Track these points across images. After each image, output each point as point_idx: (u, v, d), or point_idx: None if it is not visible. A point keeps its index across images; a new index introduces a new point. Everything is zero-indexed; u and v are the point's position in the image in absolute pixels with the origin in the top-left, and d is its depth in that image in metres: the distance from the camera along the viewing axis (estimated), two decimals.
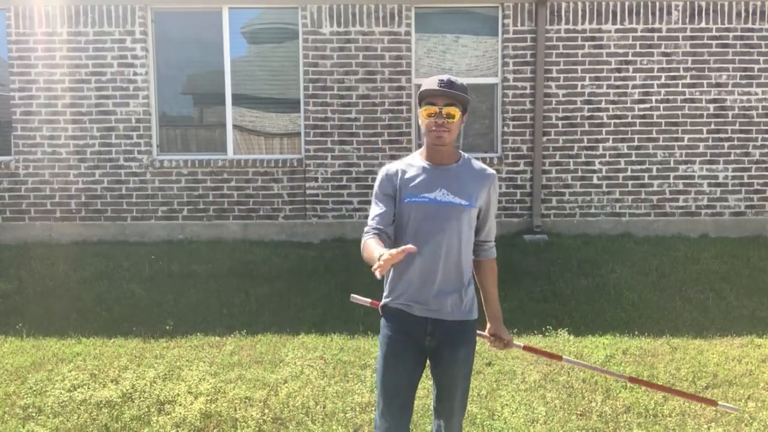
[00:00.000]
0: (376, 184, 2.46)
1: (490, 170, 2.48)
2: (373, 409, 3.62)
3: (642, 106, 7.74)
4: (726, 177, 7.84)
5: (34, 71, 7.70)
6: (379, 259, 1.97)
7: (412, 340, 2.41)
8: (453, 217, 2.35)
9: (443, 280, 2.37)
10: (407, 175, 2.41)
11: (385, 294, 2.47)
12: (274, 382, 4.01)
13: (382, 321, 2.49)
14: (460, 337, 2.42)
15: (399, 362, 2.41)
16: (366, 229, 2.37)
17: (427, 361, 2.48)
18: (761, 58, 7.68)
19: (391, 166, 2.47)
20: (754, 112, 7.75)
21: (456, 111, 2.33)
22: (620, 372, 4.11)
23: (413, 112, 7.76)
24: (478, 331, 2.52)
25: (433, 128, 2.34)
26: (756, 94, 7.73)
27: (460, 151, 2.49)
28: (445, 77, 2.34)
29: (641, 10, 7.64)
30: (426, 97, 2.36)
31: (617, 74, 7.70)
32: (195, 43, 7.90)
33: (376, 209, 2.42)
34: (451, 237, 2.35)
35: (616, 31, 7.66)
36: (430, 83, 2.34)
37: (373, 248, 2.17)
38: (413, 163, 2.45)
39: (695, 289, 5.79)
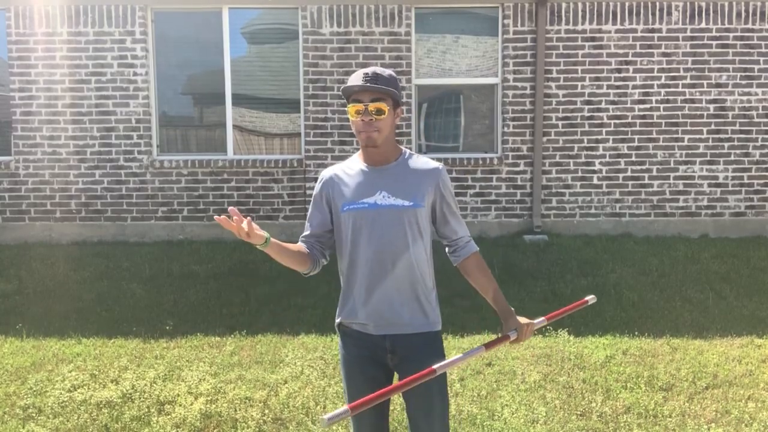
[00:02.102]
0: (315, 189, 2.31)
1: (435, 164, 2.26)
2: None
3: (642, 106, 7.74)
4: (726, 177, 7.84)
5: (34, 71, 7.70)
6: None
7: (373, 360, 2.23)
8: (397, 221, 2.15)
9: (395, 290, 2.17)
10: (343, 181, 2.23)
11: (338, 310, 2.29)
12: (274, 383, 4.00)
13: (339, 341, 2.33)
14: (425, 350, 2.19)
15: (361, 384, 2.23)
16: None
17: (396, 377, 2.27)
18: (761, 59, 7.67)
19: (327, 172, 2.29)
20: (754, 113, 7.75)
21: (385, 106, 2.12)
22: (619, 372, 4.11)
23: (413, 113, 7.77)
24: (498, 337, 2.26)
25: (362, 129, 2.13)
26: (756, 94, 7.72)
27: (403, 147, 2.30)
28: (370, 70, 2.12)
29: (641, 11, 7.64)
30: (351, 94, 2.14)
31: (617, 75, 7.70)
32: (195, 43, 7.89)
33: (309, 215, 2.32)
34: (397, 242, 2.15)
35: (616, 31, 7.66)
36: (355, 78, 2.12)
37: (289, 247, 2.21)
38: (351, 166, 2.26)
39: (695, 289, 5.79)
